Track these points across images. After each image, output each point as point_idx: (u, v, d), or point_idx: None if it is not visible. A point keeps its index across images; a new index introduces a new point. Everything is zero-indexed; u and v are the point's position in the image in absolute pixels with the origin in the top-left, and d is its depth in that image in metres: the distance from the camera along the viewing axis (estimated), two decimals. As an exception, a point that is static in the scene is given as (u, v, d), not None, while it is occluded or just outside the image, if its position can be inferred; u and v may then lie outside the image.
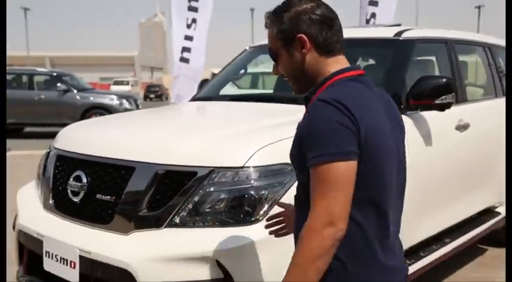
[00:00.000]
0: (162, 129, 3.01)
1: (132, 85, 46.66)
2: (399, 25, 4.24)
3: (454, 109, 3.90)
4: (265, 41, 4.37)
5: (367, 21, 8.81)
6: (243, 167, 2.42)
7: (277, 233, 1.97)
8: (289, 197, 2.43)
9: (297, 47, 1.58)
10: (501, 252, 4.71)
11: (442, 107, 3.32)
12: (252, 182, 2.41)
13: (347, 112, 1.42)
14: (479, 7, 46.72)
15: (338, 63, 1.60)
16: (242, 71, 4.45)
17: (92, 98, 14.06)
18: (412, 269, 3.22)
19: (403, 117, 3.21)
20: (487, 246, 4.92)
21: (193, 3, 8.49)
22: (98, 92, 15.72)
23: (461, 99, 4.01)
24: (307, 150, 1.44)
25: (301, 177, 1.57)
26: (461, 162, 3.84)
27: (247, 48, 4.58)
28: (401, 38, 3.72)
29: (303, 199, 1.54)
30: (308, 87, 1.61)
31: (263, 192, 2.40)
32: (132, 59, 76.59)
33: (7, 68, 14.91)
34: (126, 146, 2.69)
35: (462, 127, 3.85)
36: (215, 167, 2.42)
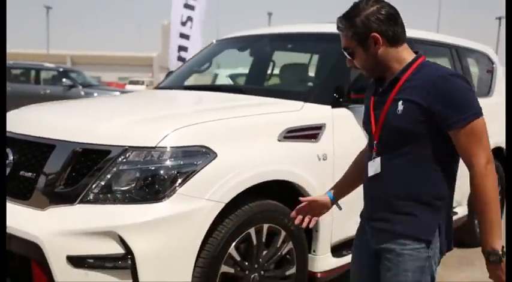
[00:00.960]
0: (90, 112, 3.11)
1: (147, 85, 47.00)
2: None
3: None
4: (231, 34, 4.54)
5: (183, 24, 8.53)
6: (155, 147, 2.50)
7: (306, 224, 2.27)
8: (200, 177, 2.51)
9: (371, 44, 1.87)
10: (459, 253, 4.72)
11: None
12: (164, 162, 2.48)
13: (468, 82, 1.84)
14: (499, 18, 46.42)
15: (406, 49, 1.93)
16: (207, 64, 4.49)
17: (95, 94, 14.25)
18: (337, 263, 3.27)
19: (344, 110, 3.28)
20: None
21: (190, 1, 8.52)
22: (102, 89, 15.89)
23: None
24: (452, 111, 1.76)
25: (423, 138, 1.84)
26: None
27: (214, 41, 4.65)
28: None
29: (405, 154, 1.86)
30: (379, 73, 1.94)
31: (173, 172, 2.47)
32: (151, 59, 77.11)
33: (15, 62, 15.32)
34: (49, 125, 2.79)
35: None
36: (129, 146, 2.50)
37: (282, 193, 3.05)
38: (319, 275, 3.23)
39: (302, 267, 3.10)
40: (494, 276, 1.80)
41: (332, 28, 3.98)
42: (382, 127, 1.91)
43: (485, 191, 1.76)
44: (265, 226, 2.87)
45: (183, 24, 8.50)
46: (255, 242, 2.82)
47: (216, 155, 2.60)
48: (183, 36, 8.41)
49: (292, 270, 3.05)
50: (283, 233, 2.97)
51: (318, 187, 3.09)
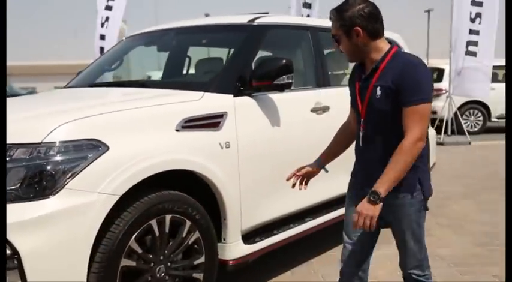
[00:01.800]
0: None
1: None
2: (267, 13, 4.31)
3: (311, 92, 4.02)
4: (140, 30, 4.48)
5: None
6: (40, 143, 2.43)
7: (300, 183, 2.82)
8: (91, 171, 2.47)
9: (354, 35, 2.32)
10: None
11: (282, 88, 3.40)
12: (51, 157, 2.43)
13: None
14: (428, 11, 47.84)
15: (383, 42, 2.38)
16: (117, 63, 4.41)
17: None
18: (249, 249, 3.31)
19: (247, 98, 3.31)
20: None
21: (110, 2, 8.52)
22: None
23: (321, 83, 4.11)
24: (408, 91, 2.22)
25: (396, 112, 2.28)
26: (317, 144, 3.89)
27: (124, 39, 4.59)
28: (254, 24, 3.79)
29: (386, 128, 2.35)
30: (359, 58, 2.43)
31: (61, 167, 2.42)
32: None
33: None
34: None
35: (320, 109, 3.94)
36: (12, 144, 2.42)
37: (189, 183, 3.06)
38: (230, 262, 3.25)
39: (211, 256, 3.11)
40: (366, 211, 2.22)
41: (232, 19, 4.06)
42: (366, 109, 2.41)
43: (403, 155, 2.22)
44: (168, 217, 2.85)
45: (102, 25, 8.50)
46: (157, 233, 2.80)
47: (108, 148, 2.57)
48: (102, 37, 8.42)
49: (201, 260, 3.05)
50: (188, 223, 2.96)
51: (221, 175, 3.11)
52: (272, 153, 3.50)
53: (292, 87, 3.49)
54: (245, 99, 3.37)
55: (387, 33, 5.29)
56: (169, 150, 2.84)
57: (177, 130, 2.92)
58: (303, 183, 2.83)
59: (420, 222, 2.47)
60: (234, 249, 3.28)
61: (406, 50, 5.57)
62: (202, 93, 3.23)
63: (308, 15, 9.33)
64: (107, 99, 3.13)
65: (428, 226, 5.02)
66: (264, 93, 3.48)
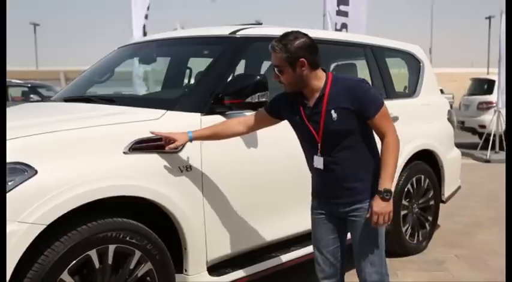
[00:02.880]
0: None
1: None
2: (260, 24, 4.04)
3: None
4: (135, 40, 4.28)
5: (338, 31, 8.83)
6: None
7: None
8: (12, 197, 2.29)
9: (298, 66, 2.51)
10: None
11: (254, 106, 3.11)
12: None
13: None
14: (489, 17, 46.19)
15: (321, 71, 2.61)
16: (107, 75, 4.19)
17: None
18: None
19: (218, 117, 3.05)
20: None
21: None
22: None
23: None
24: (368, 107, 2.52)
25: (355, 131, 2.57)
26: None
27: (116, 49, 4.40)
28: (235, 36, 3.53)
29: (345, 146, 2.58)
30: (300, 88, 2.60)
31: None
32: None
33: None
34: None
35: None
36: None
37: (150, 211, 2.82)
38: (191, 295, 2.98)
39: (167, 288, 2.85)
40: (384, 209, 2.51)
41: (207, 31, 3.80)
42: (323, 133, 2.57)
43: (393, 150, 2.55)
44: (112, 247, 2.62)
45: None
46: (97, 265, 2.57)
47: (36, 172, 2.36)
48: None
49: (155, 293, 2.80)
50: (137, 254, 2.72)
51: (180, 201, 2.86)
52: (247, 177, 3.22)
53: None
54: (215, 118, 3.10)
55: (405, 45, 5.02)
56: (111, 175, 2.60)
57: (125, 153, 2.68)
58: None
59: (380, 229, 2.66)
60: (196, 281, 3.01)
61: (426, 61, 5.17)
62: (163, 111, 2.99)
63: (343, 24, 8.90)
64: (53, 118, 2.92)
65: (443, 258, 4.64)
66: (240, 112, 3.20)
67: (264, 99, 3.10)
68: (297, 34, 2.53)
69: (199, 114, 3.07)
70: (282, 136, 3.14)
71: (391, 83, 4.64)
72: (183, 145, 2.85)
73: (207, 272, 3.07)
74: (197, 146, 2.96)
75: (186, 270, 2.99)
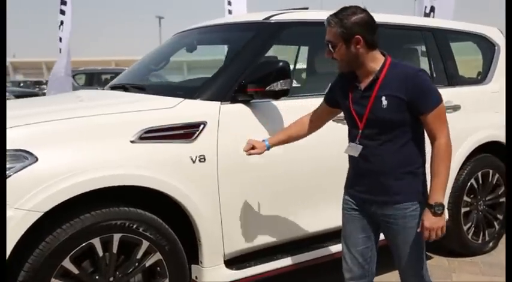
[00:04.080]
0: None
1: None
2: (306, 8, 3.85)
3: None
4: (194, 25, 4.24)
5: (427, 16, 8.42)
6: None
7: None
8: (10, 184, 2.34)
9: (353, 43, 2.31)
10: (447, 263, 4.14)
11: (276, 95, 2.96)
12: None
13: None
14: None
15: (379, 53, 2.40)
16: (163, 63, 4.18)
17: None
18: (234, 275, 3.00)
19: (240, 106, 2.95)
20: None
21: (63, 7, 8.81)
22: None
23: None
24: (423, 101, 2.29)
25: (403, 124, 2.34)
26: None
27: (173, 35, 4.38)
28: (268, 21, 3.38)
29: (389, 138, 2.36)
30: (353, 67, 2.40)
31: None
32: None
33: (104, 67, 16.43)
34: None
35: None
36: None
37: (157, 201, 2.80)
38: (207, 287, 2.93)
39: (179, 279, 2.82)
40: (436, 225, 2.31)
41: (257, 16, 3.63)
42: (367, 120, 2.37)
43: (445, 158, 2.32)
44: (117, 236, 2.62)
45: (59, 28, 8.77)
46: (101, 253, 2.58)
47: (36, 159, 2.40)
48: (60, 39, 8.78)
49: (165, 283, 2.78)
50: (145, 243, 2.70)
51: (190, 192, 2.79)
52: (268, 168, 3.08)
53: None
54: (235, 107, 3.00)
55: (478, 27, 4.58)
56: (115, 164, 2.59)
57: (132, 141, 2.66)
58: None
59: (422, 236, 2.42)
60: (212, 273, 2.95)
61: (502, 44, 4.68)
62: (180, 99, 2.93)
63: (432, 8, 8.34)
64: (70, 105, 2.97)
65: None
66: (264, 100, 3.07)
67: (286, 87, 2.95)
68: (355, 9, 2.34)
69: (219, 103, 2.97)
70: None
71: (455, 68, 4.25)
72: (264, 149, 2.81)
73: (224, 264, 2.99)
74: (213, 137, 2.87)
75: (201, 262, 2.93)
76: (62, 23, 8.91)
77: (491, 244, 4.49)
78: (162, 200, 2.79)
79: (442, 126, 2.32)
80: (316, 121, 2.78)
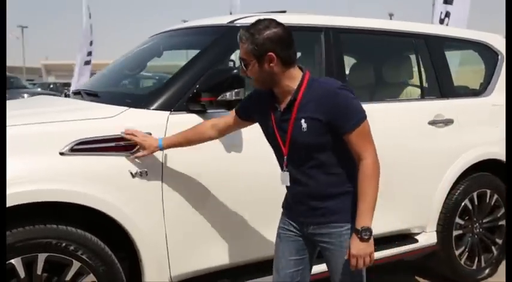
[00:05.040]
0: None
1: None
2: (284, 11, 3.60)
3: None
4: (167, 27, 4.01)
5: (441, 21, 8.17)
6: None
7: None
8: None
9: (266, 61, 2.11)
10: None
11: (230, 105, 2.72)
12: None
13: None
14: None
15: (296, 69, 2.19)
16: (138, 69, 3.97)
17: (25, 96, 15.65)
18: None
19: (192, 116, 2.73)
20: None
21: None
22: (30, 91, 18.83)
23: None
24: (343, 120, 2.10)
25: (328, 146, 2.17)
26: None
27: (148, 37, 4.16)
28: (231, 25, 3.14)
29: (313, 162, 2.19)
30: (269, 86, 2.21)
31: None
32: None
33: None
34: None
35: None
36: None
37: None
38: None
39: (114, 303, 2.60)
40: (364, 251, 2.11)
41: (222, 20, 3.39)
42: (290, 144, 2.20)
43: (372, 179, 2.12)
44: (42, 256, 2.41)
45: None
46: (22, 275, 2.38)
47: None
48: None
49: (99, 307, 2.55)
50: (75, 264, 2.49)
51: (129, 209, 2.58)
52: (222, 180, 2.83)
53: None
54: (187, 118, 2.77)
55: (478, 34, 4.24)
56: (38, 178, 2.38)
57: (62, 153, 2.45)
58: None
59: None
60: (155, 297, 2.71)
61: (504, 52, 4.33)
62: (124, 108, 2.71)
63: (447, 13, 8.03)
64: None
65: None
66: (217, 111, 2.82)
67: (238, 97, 2.71)
68: (269, 23, 2.13)
69: (168, 112, 2.74)
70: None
71: (449, 79, 3.93)
72: (152, 152, 2.58)
73: (169, 287, 2.76)
74: (158, 151, 2.64)
75: (144, 285, 2.70)
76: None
77: (487, 270, 4.13)
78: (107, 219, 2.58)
79: (367, 144, 2.15)
80: (218, 130, 2.58)
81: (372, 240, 2.14)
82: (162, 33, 3.78)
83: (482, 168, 3.96)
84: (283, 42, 2.11)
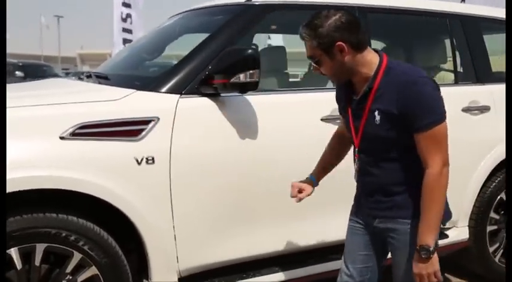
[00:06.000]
0: None
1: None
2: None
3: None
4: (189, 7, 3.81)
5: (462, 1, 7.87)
6: None
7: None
8: None
9: (337, 53, 1.94)
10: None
11: (243, 88, 2.53)
12: None
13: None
14: None
15: (371, 53, 2.01)
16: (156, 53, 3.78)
17: None
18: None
19: (204, 100, 2.57)
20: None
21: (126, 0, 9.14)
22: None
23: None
24: (418, 119, 1.89)
25: (401, 141, 1.98)
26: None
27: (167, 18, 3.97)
28: (248, 4, 2.93)
29: (386, 157, 2.04)
30: (347, 78, 2.05)
31: None
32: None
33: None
34: None
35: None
36: None
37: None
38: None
39: (118, 296, 2.45)
40: (425, 270, 1.95)
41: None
42: (362, 136, 2.07)
43: (434, 193, 1.92)
44: (40, 246, 2.28)
45: (124, 20, 9.16)
46: (19, 266, 2.25)
47: None
48: (126, 30, 9.22)
49: (101, 301, 2.41)
50: (76, 256, 2.35)
51: (134, 199, 2.42)
52: (232, 173, 2.65)
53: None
54: (199, 102, 2.59)
55: (485, 9, 3.91)
56: (34, 164, 2.23)
57: (62, 138, 2.30)
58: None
59: None
60: (162, 291, 2.56)
61: None
62: (131, 91, 2.55)
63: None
64: (11, 94, 2.62)
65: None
66: (230, 94, 2.64)
67: (252, 80, 2.51)
68: (327, 13, 1.96)
69: (178, 96, 2.57)
70: (282, 122, 2.62)
71: (486, 63, 3.64)
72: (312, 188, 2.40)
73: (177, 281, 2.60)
74: (166, 135, 2.47)
75: (150, 279, 2.55)
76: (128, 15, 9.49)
77: (525, 269, 3.85)
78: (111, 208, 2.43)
79: (437, 152, 1.92)
80: (346, 138, 2.32)
81: (435, 259, 1.97)
82: (181, 13, 3.60)
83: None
84: (349, 26, 1.94)
